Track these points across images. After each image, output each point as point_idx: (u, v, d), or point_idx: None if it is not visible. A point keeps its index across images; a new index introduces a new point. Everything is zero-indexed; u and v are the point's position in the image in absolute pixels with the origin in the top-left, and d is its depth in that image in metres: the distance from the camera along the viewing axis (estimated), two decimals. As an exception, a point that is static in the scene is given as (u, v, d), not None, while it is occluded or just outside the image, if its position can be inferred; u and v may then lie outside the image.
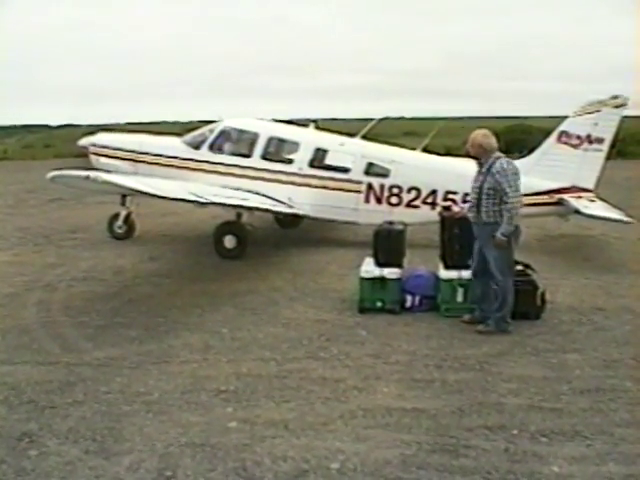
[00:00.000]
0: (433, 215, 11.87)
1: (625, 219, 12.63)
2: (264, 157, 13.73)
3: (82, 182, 9.73)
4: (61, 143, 44.24)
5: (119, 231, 14.39)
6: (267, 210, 12.39)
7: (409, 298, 9.29)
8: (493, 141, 8.44)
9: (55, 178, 9.69)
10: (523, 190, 12.30)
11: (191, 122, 44.25)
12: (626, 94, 13.19)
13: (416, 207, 13.12)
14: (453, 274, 9.09)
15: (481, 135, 8.46)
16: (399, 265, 9.48)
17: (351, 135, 14.49)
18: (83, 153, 15.25)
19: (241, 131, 14.33)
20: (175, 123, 70.01)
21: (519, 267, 9.19)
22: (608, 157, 13.50)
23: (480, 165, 8.45)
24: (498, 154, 8.37)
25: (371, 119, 15.41)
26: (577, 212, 12.69)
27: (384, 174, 13.30)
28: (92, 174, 9.40)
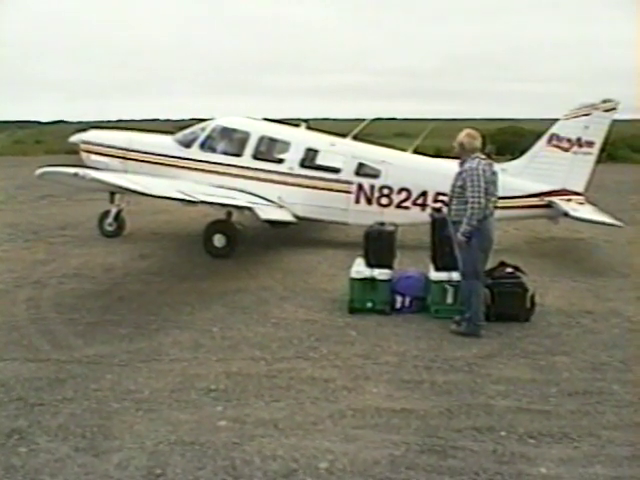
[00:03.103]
0: (423, 216, 11.94)
1: (614, 222, 12.70)
2: (255, 156, 13.71)
3: (71, 179, 9.71)
4: (52, 139, 44.16)
5: (109, 228, 14.39)
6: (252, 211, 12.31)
7: (399, 299, 9.32)
8: (476, 142, 8.45)
9: (44, 175, 9.66)
10: (513, 192, 12.44)
11: (183, 120, 44.25)
12: (619, 97, 13.26)
13: (406, 208, 13.16)
14: (443, 275, 9.11)
15: (465, 134, 8.50)
16: (389, 266, 9.50)
17: (342, 135, 14.50)
18: (74, 150, 15.23)
19: (232, 130, 14.31)
20: (167, 121, 69.96)
21: (509, 269, 9.24)
22: (598, 161, 13.58)
23: (461, 164, 8.49)
24: (478, 155, 8.37)
25: (363, 119, 15.44)
26: (566, 215, 12.75)
27: (375, 175, 13.32)
28: (80, 171, 9.37)
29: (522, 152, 14.31)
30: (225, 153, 13.86)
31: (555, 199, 13.00)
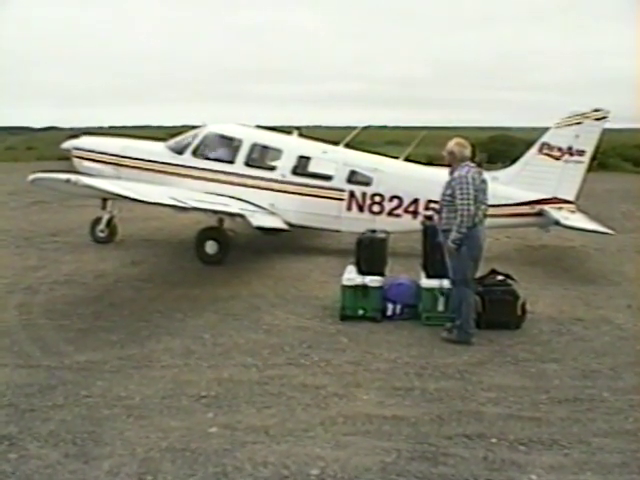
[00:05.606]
0: (415, 224, 11.97)
1: (605, 230, 12.76)
2: (247, 163, 13.71)
3: (62, 185, 9.70)
4: (44, 146, 44.09)
5: (101, 235, 14.37)
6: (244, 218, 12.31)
7: (390, 306, 9.33)
8: (465, 150, 8.48)
9: (35, 181, 9.66)
10: (504, 200, 12.49)
11: (175, 127, 44.24)
12: (610, 106, 13.33)
13: (398, 216, 13.19)
14: (434, 283, 9.12)
15: (455, 143, 8.53)
16: (381, 273, 9.52)
17: (334, 143, 14.52)
18: (66, 156, 15.21)
19: (224, 137, 14.29)
20: (159, 127, 69.99)
21: (500, 277, 9.26)
22: (589, 169, 13.63)
23: (451, 173, 8.52)
24: (467, 163, 8.40)
25: (355, 127, 15.46)
26: (557, 223, 12.79)
27: (366, 182, 13.35)
28: (72, 177, 9.35)
29: (513, 161, 14.37)
30: (217, 160, 13.85)
31: (546, 207, 13.06)
